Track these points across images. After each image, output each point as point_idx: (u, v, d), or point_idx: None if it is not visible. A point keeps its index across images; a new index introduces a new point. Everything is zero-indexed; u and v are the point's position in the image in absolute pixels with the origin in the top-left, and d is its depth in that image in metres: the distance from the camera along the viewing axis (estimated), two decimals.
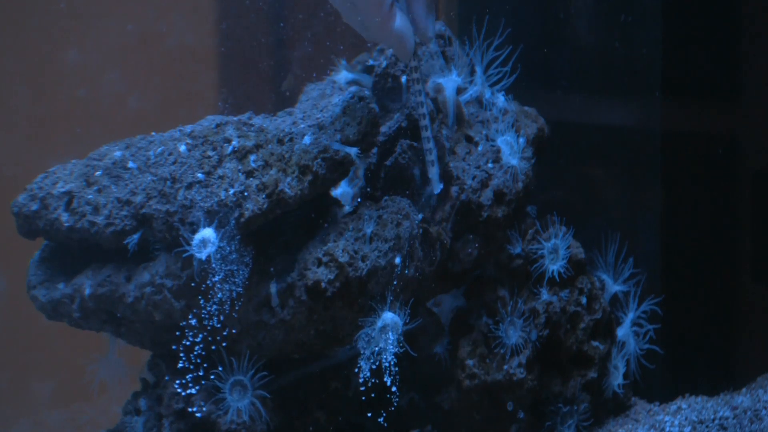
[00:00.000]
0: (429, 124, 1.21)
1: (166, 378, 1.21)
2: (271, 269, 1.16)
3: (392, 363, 1.16)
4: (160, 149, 1.19)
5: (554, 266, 1.32)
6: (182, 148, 1.17)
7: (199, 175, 1.15)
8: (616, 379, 1.38)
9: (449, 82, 1.29)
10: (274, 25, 1.65)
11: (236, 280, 1.15)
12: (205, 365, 1.18)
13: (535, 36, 1.52)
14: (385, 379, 1.15)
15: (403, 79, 1.24)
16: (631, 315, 1.42)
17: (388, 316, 1.16)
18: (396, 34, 1.13)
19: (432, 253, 1.23)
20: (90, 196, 1.19)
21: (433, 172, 1.22)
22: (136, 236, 1.17)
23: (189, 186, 1.15)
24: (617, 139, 1.56)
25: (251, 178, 1.13)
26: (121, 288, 1.18)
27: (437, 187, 1.22)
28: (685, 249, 1.56)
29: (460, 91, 1.33)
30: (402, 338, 1.17)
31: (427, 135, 1.21)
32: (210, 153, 1.16)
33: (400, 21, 1.13)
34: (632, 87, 1.54)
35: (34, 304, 1.24)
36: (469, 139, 1.32)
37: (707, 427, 1.34)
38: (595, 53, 1.57)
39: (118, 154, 1.21)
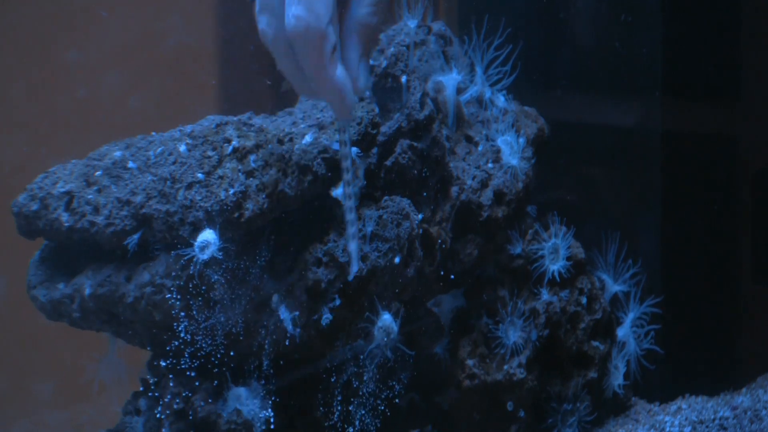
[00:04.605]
0: (353, 192, 1.08)
1: (166, 378, 1.21)
2: (271, 269, 1.16)
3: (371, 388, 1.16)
4: (160, 149, 1.19)
5: (554, 266, 1.32)
6: (182, 148, 1.17)
7: (199, 175, 1.14)
8: (617, 379, 1.38)
9: (450, 80, 1.29)
10: None
11: (236, 280, 1.15)
12: (204, 365, 1.18)
13: (535, 36, 1.52)
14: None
15: (403, 79, 1.24)
16: (631, 315, 1.42)
17: (387, 319, 1.17)
18: (336, 86, 1.01)
19: (432, 253, 1.23)
20: (90, 196, 1.19)
21: (353, 247, 1.08)
22: (136, 236, 1.17)
23: (189, 186, 1.14)
24: (617, 139, 1.56)
25: (251, 178, 1.13)
26: (121, 288, 1.18)
27: (355, 267, 1.09)
28: (685, 249, 1.56)
29: (460, 90, 1.33)
30: (396, 343, 1.18)
31: (349, 205, 1.07)
32: (210, 153, 1.16)
33: (341, 71, 1.01)
34: (632, 87, 1.54)
35: (34, 304, 1.24)
36: (469, 139, 1.32)
37: (707, 427, 1.34)
38: (595, 53, 1.57)
39: (118, 154, 1.21)
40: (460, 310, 1.31)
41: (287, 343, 1.17)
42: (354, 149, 1.17)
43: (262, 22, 1.00)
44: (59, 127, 1.65)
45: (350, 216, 1.07)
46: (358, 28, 1.02)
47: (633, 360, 1.42)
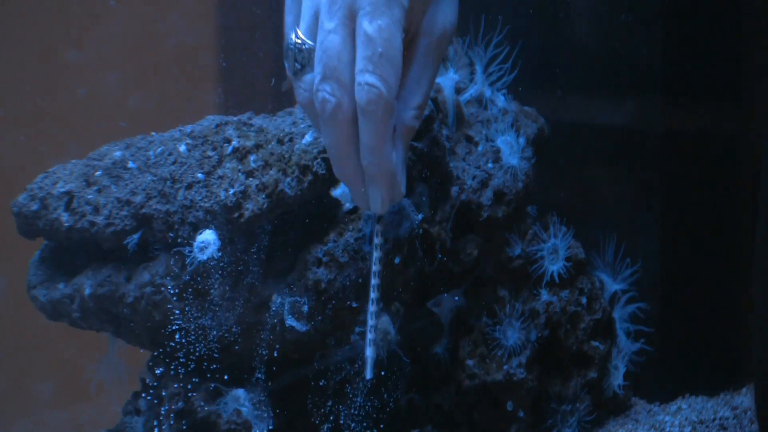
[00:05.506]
0: (378, 296, 1.05)
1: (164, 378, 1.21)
2: (271, 270, 1.17)
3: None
4: (160, 149, 1.19)
5: (554, 266, 1.32)
6: (182, 148, 1.17)
7: (199, 175, 1.15)
8: (617, 380, 1.38)
9: (447, 80, 1.29)
10: (275, 25, 1.65)
11: (236, 280, 1.15)
12: (204, 366, 1.18)
13: (534, 35, 1.52)
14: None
15: None
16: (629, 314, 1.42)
17: (385, 321, 1.17)
18: (392, 168, 0.98)
19: (432, 253, 1.23)
20: (90, 196, 1.19)
21: (369, 353, 1.05)
22: (136, 236, 1.17)
23: (189, 186, 1.15)
24: (617, 139, 1.56)
25: (251, 178, 1.14)
26: (121, 288, 1.18)
27: (369, 374, 1.05)
28: (686, 249, 1.56)
29: (459, 90, 1.33)
30: (394, 344, 1.18)
31: (372, 309, 1.05)
32: (210, 153, 1.16)
33: (396, 157, 0.99)
34: (632, 87, 1.54)
35: (34, 304, 1.24)
36: (469, 139, 1.32)
37: (707, 427, 1.34)
38: (595, 53, 1.57)
39: (118, 154, 1.21)
40: (460, 310, 1.31)
41: (287, 343, 1.17)
42: None
43: (324, 91, 0.96)
44: (59, 127, 1.65)
45: (372, 321, 1.05)
46: (403, 130, 1.00)
47: (633, 357, 1.42)
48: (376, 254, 1.05)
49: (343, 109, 0.96)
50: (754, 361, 1.15)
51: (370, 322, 1.05)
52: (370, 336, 1.05)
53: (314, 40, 0.98)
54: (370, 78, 0.94)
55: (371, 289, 1.06)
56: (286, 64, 1.01)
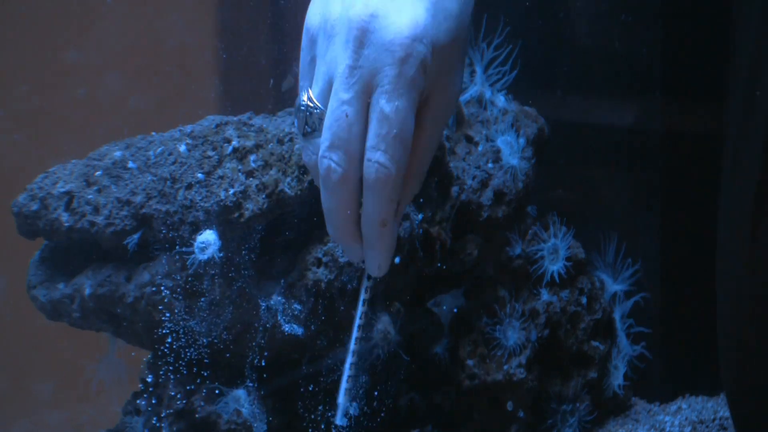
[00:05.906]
0: (356, 348, 1.04)
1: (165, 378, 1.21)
2: (271, 269, 1.17)
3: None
4: (160, 149, 1.19)
5: (554, 266, 1.32)
6: (182, 148, 1.17)
7: (199, 175, 1.15)
8: (616, 380, 1.39)
9: None
10: (275, 25, 1.65)
11: (235, 280, 1.15)
12: (203, 366, 1.18)
13: (534, 35, 1.52)
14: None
15: None
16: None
17: (385, 321, 1.17)
18: (392, 239, 1.00)
19: (432, 253, 1.23)
20: (90, 196, 1.19)
21: (342, 400, 1.04)
22: (136, 236, 1.17)
23: (189, 186, 1.15)
24: (617, 139, 1.56)
25: (251, 178, 1.14)
26: (121, 288, 1.18)
27: (339, 420, 1.04)
28: (686, 249, 1.56)
29: None
30: (394, 344, 1.18)
31: (351, 361, 1.04)
32: (210, 153, 1.16)
33: (397, 221, 1.01)
34: (632, 87, 1.54)
35: (34, 304, 1.24)
36: (469, 139, 1.32)
37: (707, 427, 1.34)
38: (595, 53, 1.57)
39: (118, 154, 1.21)
40: (460, 310, 1.31)
41: (286, 343, 1.17)
42: None
43: (331, 159, 0.96)
44: (59, 127, 1.65)
45: (350, 372, 1.04)
46: (405, 195, 1.01)
47: (633, 360, 1.42)
48: (361, 309, 1.04)
49: (349, 181, 0.97)
50: (723, 367, 1.15)
51: (348, 372, 1.04)
52: (346, 385, 1.04)
53: (326, 105, 0.98)
54: (381, 157, 0.95)
55: (354, 341, 1.04)
56: (295, 123, 1.01)
